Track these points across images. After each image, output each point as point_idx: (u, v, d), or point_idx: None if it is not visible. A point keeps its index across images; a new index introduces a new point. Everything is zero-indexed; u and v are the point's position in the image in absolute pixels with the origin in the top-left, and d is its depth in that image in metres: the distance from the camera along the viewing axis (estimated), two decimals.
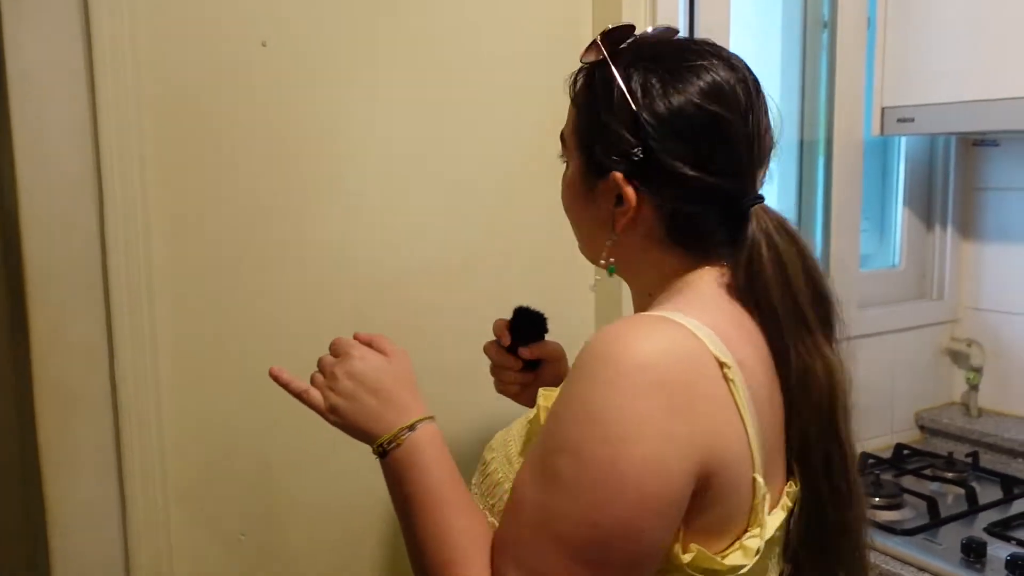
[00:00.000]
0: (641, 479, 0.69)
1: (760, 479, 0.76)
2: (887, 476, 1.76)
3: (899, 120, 1.87)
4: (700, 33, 1.64)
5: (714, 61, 0.81)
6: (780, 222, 0.84)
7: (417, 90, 1.37)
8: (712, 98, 0.79)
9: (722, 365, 0.73)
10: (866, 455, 1.90)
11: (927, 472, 1.78)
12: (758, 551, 0.77)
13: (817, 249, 1.98)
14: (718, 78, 0.80)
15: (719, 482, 0.73)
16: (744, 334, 0.79)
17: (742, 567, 0.76)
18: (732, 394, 0.73)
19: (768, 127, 0.84)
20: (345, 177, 1.31)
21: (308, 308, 1.28)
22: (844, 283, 1.95)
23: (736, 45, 1.68)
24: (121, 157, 1.10)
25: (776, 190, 1.97)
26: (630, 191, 0.81)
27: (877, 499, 1.61)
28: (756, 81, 0.84)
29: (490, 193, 1.45)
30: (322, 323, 1.24)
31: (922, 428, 2.14)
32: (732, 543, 0.77)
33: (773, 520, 0.80)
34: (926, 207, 2.17)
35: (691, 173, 0.79)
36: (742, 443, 0.74)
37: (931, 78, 1.83)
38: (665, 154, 0.79)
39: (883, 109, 1.91)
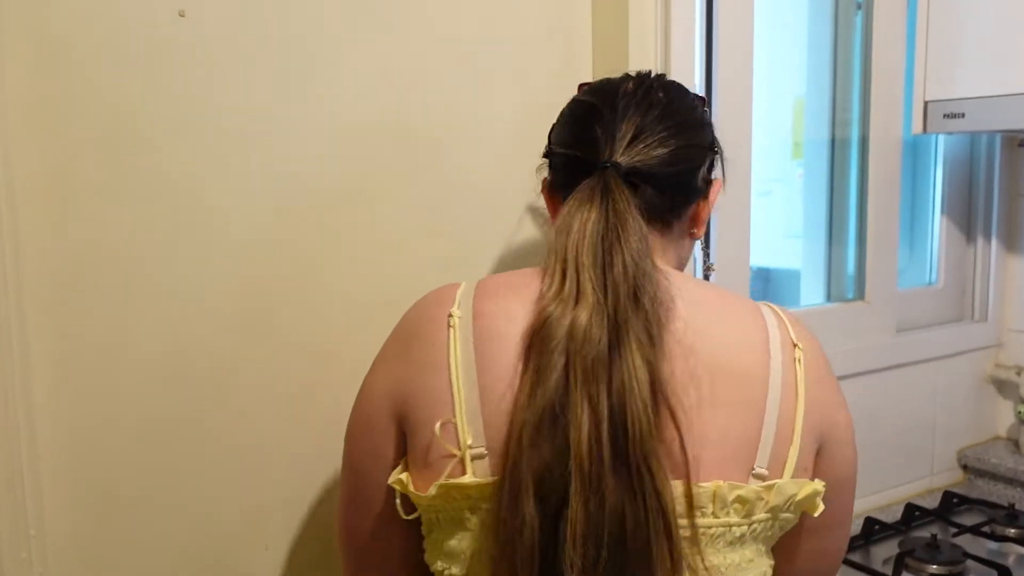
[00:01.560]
0: (361, 399, 0.88)
1: (452, 423, 0.78)
2: (943, 536, 1.50)
3: (946, 116, 1.62)
4: (721, 19, 1.40)
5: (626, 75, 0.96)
6: (620, 196, 0.82)
7: (377, 60, 1.11)
8: (586, 92, 0.96)
9: (451, 314, 0.81)
10: (911, 506, 1.64)
11: (986, 529, 1.52)
12: (433, 492, 0.77)
13: (850, 264, 1.72)
14: (605, 80, 0.97)
15: (414, 416, 0.81)
16: (518, 291, 0.82)
17: (426, 501, 0.79)
18: (448, 338, 0.80)
19: (632, 115, 0.88)
20: (281, 170, 1.04)
21: (217, 305, 1.02)
22: (881, 304, 1.69)
23: (758, 31, 1.43)
24: None
25: (803, 195, 1.71)
26: (545, 175, 0.97)
27: (935, 567, 1.34)
28: (648, 82, 0.93)
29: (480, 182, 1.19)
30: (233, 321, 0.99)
31: (965, 468, 1.88)
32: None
33: (470, 473, 0.77)
34: (966, 216, 1.92)
35: (556, 149, 0.93)
36: (443, 384, 0.79)
37: (984, 67, 1.58)
38: (551, 141, 0.96)
39: (926, 103, 1.66)
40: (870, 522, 1.56)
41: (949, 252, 1.91)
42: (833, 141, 1.71)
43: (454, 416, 0.78)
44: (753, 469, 0.79)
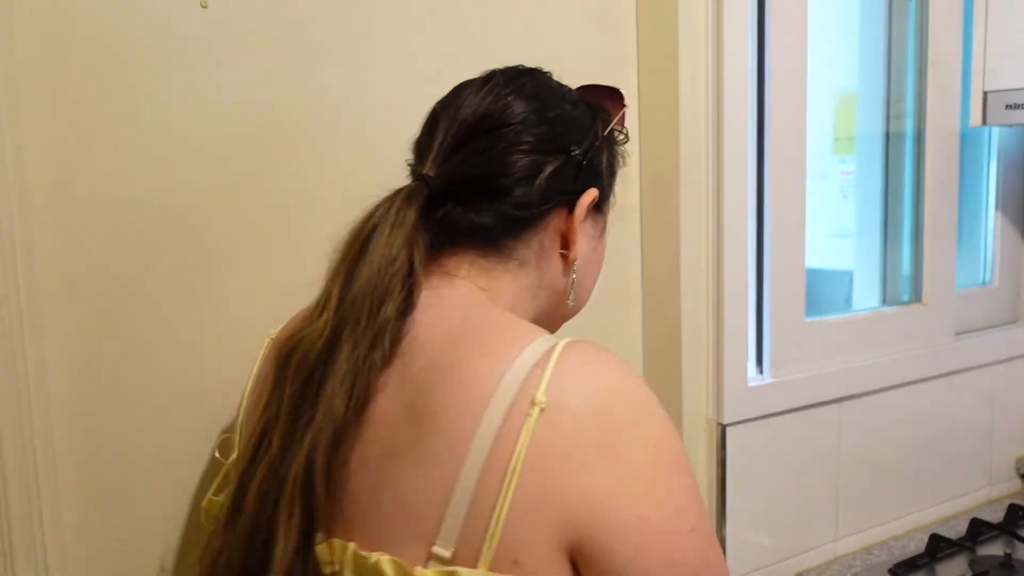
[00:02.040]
0: None
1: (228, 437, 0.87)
2: (1013, 552, 1.41)
3: (1008, 107, 1.53)
4: (775, 13, 1.31)
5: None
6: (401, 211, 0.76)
7: (412, 60, 1.03)
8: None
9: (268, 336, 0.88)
10: (977, 521, 1.54)
11: None
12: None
13: (905, 264, 1.63)
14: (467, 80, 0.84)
15: None
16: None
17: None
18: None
19: (462, 119, 0.79)
20: (308, 175, 0.96)
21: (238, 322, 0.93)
22: (939, 305, 1.60)
23: (812, 18, 1.35)
24: None
25: (856, 193, 1.62)
26: None
27: None
28: (499, 81, 0.81)
29: None
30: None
31: None
32: None
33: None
34: (1022, 213, 1.83)
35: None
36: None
37: None
38: None
39: (985, 94, 1.56)
40: (935, 539, 1.47)
41: (1004, 250, 1.82)
42: (888, 135, 1.62)
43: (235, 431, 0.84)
44: (433, 547, 0.65)
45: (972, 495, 1.71)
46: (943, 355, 1.61)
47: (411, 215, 0.74)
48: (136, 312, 0.91)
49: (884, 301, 1.64)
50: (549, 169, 0.78)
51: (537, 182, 0.77)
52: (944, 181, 1.59)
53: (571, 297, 0.84)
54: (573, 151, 0.80)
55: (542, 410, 0.64)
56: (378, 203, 0.76)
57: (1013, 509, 1.60)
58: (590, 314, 1.22)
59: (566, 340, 0.68)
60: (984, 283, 1.82)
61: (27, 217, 0.83)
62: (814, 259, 1.63)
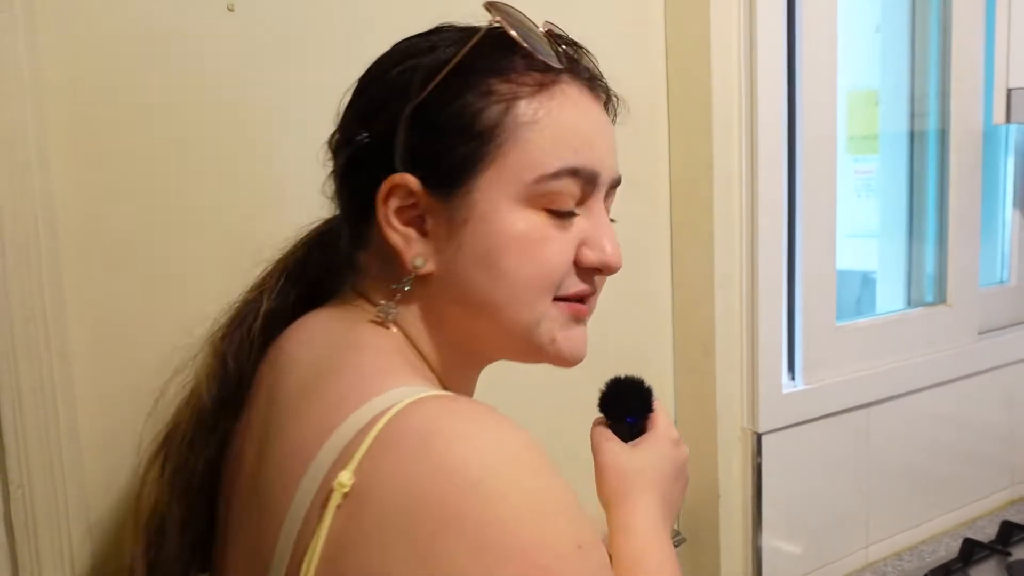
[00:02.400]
0: None
1: None
2: None
3: None
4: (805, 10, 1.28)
5: None
6: None
7: None
8: None
9: None
10: (1008, 524, 1.53)
11: None
12: None
13: (930, 262, 1.61)
14: None
15: None
16: None
17: None
18: None
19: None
20: None
21: None
22: (963, 306, 1.58)
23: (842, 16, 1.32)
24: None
25: (879, 191, 1.59)
26: None
27: None
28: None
29: None
30: None
31: None
32: None
33: None
34: None
35: None
36: None
37: None
38: None
39: (1009, 91, 1.54)
40: (968, 543, 1.45)
41: (1022, 248, 1.80)
42: (912, 134, 1.59)
43: None
44: None
45: (996, 495, 1.70)
46: (968, 356, 1.59)
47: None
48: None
49: (909, 303, 1.62)
50: (341, 161, 0.69)
51: (347, 175, 0.70)
52: (968, 179, 1.57)
53: (384, 309, 0.68)
54: (361, 136, 0.67)
55: (345, 495, 0.53)
56: None
57: None
58: (618, 321, 1.17)
59: (419, 397, 0.56)
60: (1002, 282, 1.81)
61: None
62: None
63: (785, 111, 1.29)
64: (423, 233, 0.66)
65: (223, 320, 0.78)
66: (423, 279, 0.67)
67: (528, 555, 0.50)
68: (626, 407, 0.80)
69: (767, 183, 1.25)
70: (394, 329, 0.68)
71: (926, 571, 1.41)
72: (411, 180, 0.65)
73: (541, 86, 0.65)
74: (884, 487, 1.49)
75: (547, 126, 0.65)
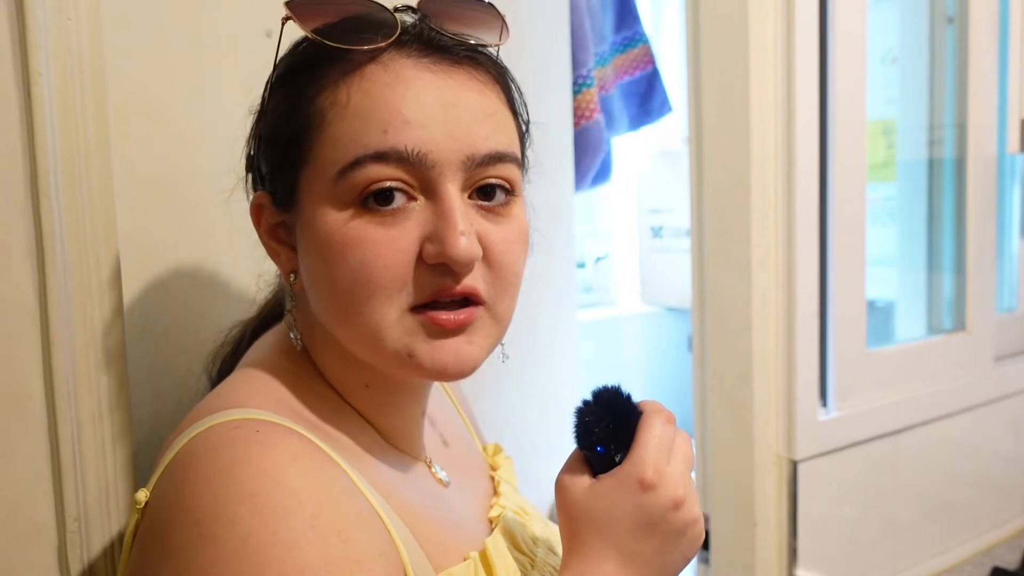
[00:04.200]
0: None
1: None
2: None
3: None
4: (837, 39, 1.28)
5: None
6: None
7: None
8: None
9: None
10: None
11: None
12: None
13: (947, 288, 1.62)
14: None
15: None
16: None
17: None
18: None
19: None
20: None
21: None
22: (981, 332, 1.59)
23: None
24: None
25: (899, 219, 1.60)
26: None
27: None
28: None
29: None
30: None
31: None
32: None
33: None
34: None
35: None
36: None
37: None
38: None
39: (1023, 121, 1.56)
40: (998, 573, 1.45)
41: None
42: (930, 162, 1.60)
43: None
44: None
45: (1015, 521, 1.69)
46: (987, 382, 1.59)
47: None
48: None
49: (929, 329, 1.63)
50: (249, 167, 0.70)
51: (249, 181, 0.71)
52: (984, 206, 1.58)
53: (294, 337, 0.68)
54: (249, 155, 0.69)
55: (139, 509, 0.59)
56: None
57: None
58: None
59: (218, 422, 0.58)
60: (1010, 309, 1.82)
61: None
62: None
63: (818, 142, 1.30)
64: (292, 248, 0.65)
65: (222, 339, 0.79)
66: (305, 295, 0.66)
67: None
68: (592, 432, 0.65)
69: (804, 212, 1.24)
70: (299, 348, 0.68)
71: None
72: (266, 198, 0.65)
73: (344, 73, 0.60)
74: (909, 515, 1.48)
75: (348, 114, 0.59)
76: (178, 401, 0.82)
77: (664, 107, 1.59)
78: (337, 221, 0.59)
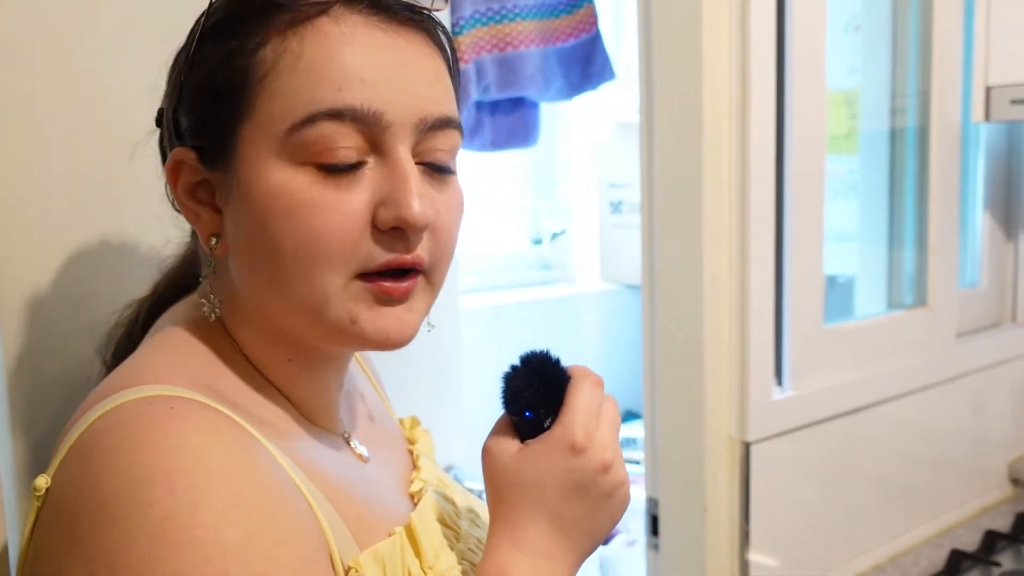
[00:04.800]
0: None
1: None
2: None
3: (1014, 102, 1.48)
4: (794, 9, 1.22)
5: None
6: None
7: None
8: None
9: None
10: (992, 533, 1.49)
11: None
12: None
13: (909, 263, 1.57)
14: None
15: None
16: None
17: None
18: None
19: None
20: None
21: None
22: (943, 308, 1.54)
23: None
24: None
25: (860, 192, 1.55)
26: None
27: None
28: None
29: None
30: None
31: (1016, 482, 1.75)
32: None
33: None
34: (1007, 212, 1.79)
35: None
36: None
37: None
38: None
39: (988, 88, 1.51)
40: (956, 555, 1.41)
41: (992, 251, 1.78)
42: (892, 133, 1.55)
43: None
44: None
45: (971, 503, 1.66)
46: (948, 359, 1.55)
47: None
48: None
49: (889, 305, 1.58)
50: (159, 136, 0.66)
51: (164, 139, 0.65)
52: (947, 179, 1.53)
53: (210, 306, 0.63)
54: (161, 108, 0.65)
55: (39, 497, 0.54)
56: None
57: (1021, 519, 1.55)
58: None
59: (129, 398, 0.54)
60: (972, 284, 1.78)
61: None
62: None
63: (775, 112, 1.23)
64: (216, 210, 0.61)
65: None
66: (227, 262, 0.62)
67: None
68: (521, 397, 0.64)
69: (759, 185, 1.18)
70: (214, 319, 0.64)
71: None
72: (188, 154, 0.60)
73: (292, 24, 0.57)
74: (866, 497, 1.44)
75: (300, 67, 0.57)
76: (66, 389, 0.75)
77: (605, 72, 1.52)
78: (285, 181, 0.56)
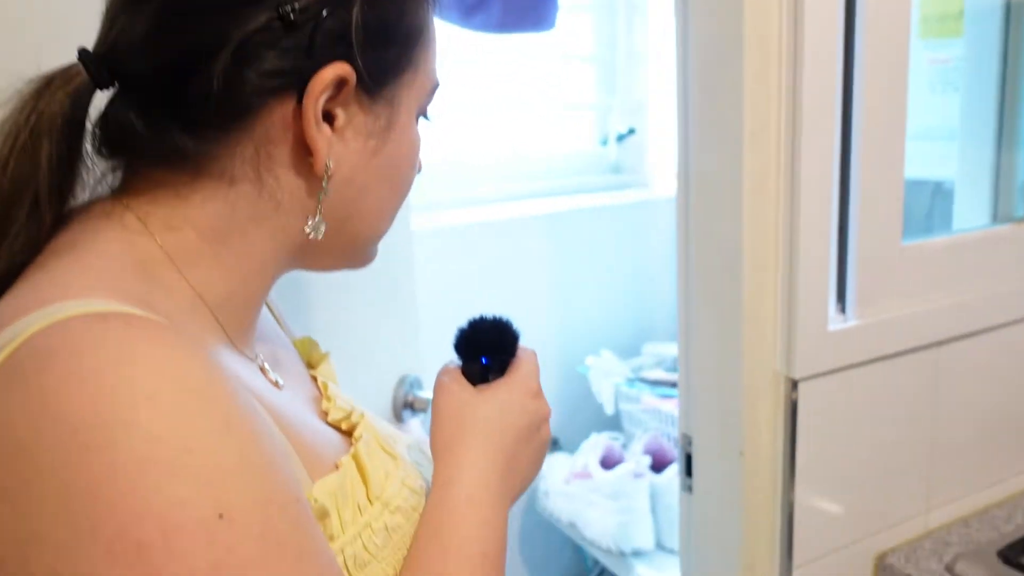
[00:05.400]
0: None
1: None
2: None
3: None
4: None
5: None
6: None
7: None
8: None
9: None
10: None
11: None
12: None
13: (1022, 169, 1.31)
14: None
15: None
16: None
17: None
18: None
19: None
20: None
21: None
22: None
23: None
24: None
25: (964, 84, 1.29)
26: None
27: None
28: None
29: None
30: None
31: None
32: None
33: None
34: None
35: None
36: None
37: None
38: None
39: None
40: None
41: None
42: (1009, 8, 1.28)
43: None
44: None
45: None
46: None
47: (51, 112, 0.54)
48: None
49: (995, 218, 1.33)
50: (248, 32, 0.53)
51: (225, 57, 0.53)
52: None
53: (315, 226, 0.60)
54: (284, 6, 0.53)
55: None
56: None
57: None
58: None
59: (72, 314, 0.47)
60: None
61: None
62: None
63: None
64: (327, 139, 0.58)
65: None
66: (249, 190, 0.58)
67: (125, 525, 0.41)
68: (480, 345, 0.70)
69: (816, 69, 0.97)
70: (157, 241, 0.56)
71: (1003, 544, 1.17)
72: (350, 72, 0.56)
73: None
74: (951, 442, 1.23)
75: (433, 36, 0.63)
76: None
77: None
78: (418, 135, 0.64)
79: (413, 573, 0.60)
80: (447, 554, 0.60)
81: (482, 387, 0.68)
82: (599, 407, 1.83)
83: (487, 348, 0.69)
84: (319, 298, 0.97)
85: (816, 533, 1.11)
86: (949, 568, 1.14)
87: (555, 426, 1.99)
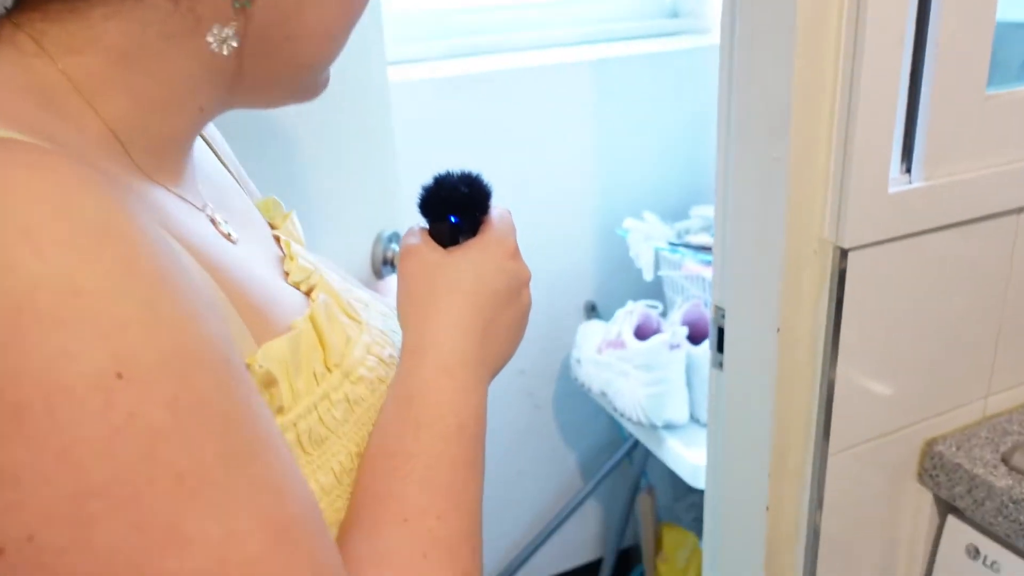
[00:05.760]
0: None
1: None
2: None
3: None
4: None
5: None
6: None
7: None
8: None
9: None
10: None
11: None
12: None
13: None
14: None
15: None
16: None
17: None
18: None
19: None
20: None
21: None
22: None
23: None
24: None
25: None
26: None
27: None
28: None
29: None
30: None
31: None
32: None
33: None
34: None
35: None
36: None
37: None
38: None
39: None
40: None
41: None
42: None
43: None
44: None
45: None
46: None
47: None
48: None
49: None
50: None
51: None
52: None
53: (221, 36, 0.50)
54: None
55: None
56: None
57: None
58: None
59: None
60: None
61: None
62: None
63: None
64: None
65: None
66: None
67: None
68: (448, 203, 0.63)
69: None
70: (57, 66, 0.48)
71: None
72: None
73: None
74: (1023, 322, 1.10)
75: None
76: None
77: None
78: None
79: (380, 450, 0.54)
80: (419, 428, 0.54)
81: (452, 249, 0.63)
82: (638, 272, 1.72)
83: (456, 206, 0.63)
84: (287, 152, 0.88)
85: (858, 417, 1.00)
86: (1005, 458, 1.02)
87: (590, 292, 1.92)
